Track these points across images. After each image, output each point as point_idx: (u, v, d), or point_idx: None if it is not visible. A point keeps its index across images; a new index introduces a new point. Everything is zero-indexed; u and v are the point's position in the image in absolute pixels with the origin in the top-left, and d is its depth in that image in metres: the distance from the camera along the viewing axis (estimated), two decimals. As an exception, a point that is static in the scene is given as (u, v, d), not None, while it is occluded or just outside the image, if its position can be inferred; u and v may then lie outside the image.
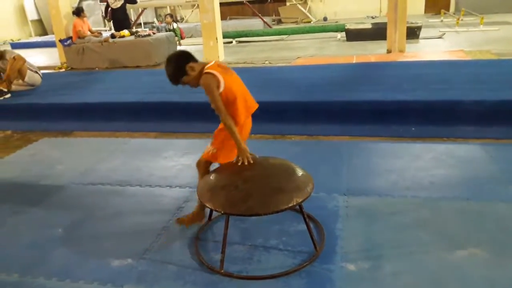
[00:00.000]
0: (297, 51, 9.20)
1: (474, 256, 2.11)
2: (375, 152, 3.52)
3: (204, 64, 2.27)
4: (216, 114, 2.25)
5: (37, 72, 6.19)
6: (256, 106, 2.36)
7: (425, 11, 17.04)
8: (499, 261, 2.07)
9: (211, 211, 2.46)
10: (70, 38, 8.53)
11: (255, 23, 14.00)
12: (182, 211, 2.73)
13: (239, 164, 2.20)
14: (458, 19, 11.53)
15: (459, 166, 3.13)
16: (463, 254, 2.13)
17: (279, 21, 17.20)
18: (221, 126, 2.32)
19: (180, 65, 2.24)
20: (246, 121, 2.33)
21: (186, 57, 2.27)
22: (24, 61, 5.97)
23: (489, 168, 3.08)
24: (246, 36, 11.36)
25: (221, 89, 2.19)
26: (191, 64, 2.25)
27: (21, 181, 3.41)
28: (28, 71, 6.00)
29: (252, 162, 2.21)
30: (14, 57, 5.88)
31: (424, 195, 2.74)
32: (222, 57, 8.52)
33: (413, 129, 3.97)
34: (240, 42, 11.22)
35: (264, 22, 13.74)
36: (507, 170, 2.99)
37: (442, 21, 13.18)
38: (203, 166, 2.42)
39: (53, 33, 9.64)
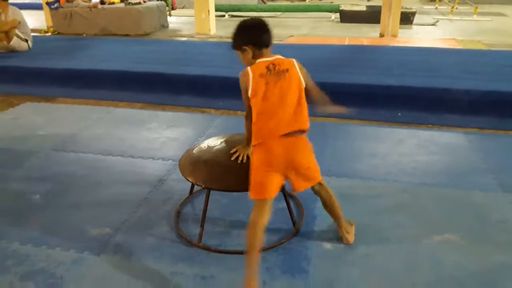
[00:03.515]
0: (290, 29, 9.09)
1: (449, 242, 2.15)
2: (361, 135, 3.53)
3: (262, 57, 1.93)
4: None
5: (26, 41, 5.99)
6: (285, 131, 1.87)
7: (421, -3, 16.93)
8: (473, 248, 2.11)
9: (193, 185, 2.45)
10: (58, 1, 8.28)
11: (249, -2, 13.75)
12: (164, 184, 2.71)
13: (233, 155, 2.08)
14: (453, 7, 11.50)
15: (441, 153, 3.16)
16: (438, 239, 2.17)
17: (274, -2, 16.90)
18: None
19: (238, 39, 1.95)
20: (271, 144, 1.88)
21: (250, 37, 1.93)
22: (15, 26, 5.81)
23: (470, 157, 3.12)
24: (239, 10, 11.17)
25: (249, 93, 1.88)
26: (248, 47, 1.91)
27: (1, 145, 3.34)
28: (16, 38, 5.82)
29: (244, 161, 2.04)
30: (17, 20, 5.85)
31: (405, 180, 2.77)
32: (213, 31, 8.38)
33: (399, 114, 3.98)
34: (233, 16, 11.04)
35: (259, -3, 13.50)
36: (487, 160, 3.03)
37: (436, 8, 13.12)
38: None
39: (40, -5, 9.34)
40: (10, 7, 5.94)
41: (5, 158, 3.10)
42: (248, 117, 1.97)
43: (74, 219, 2.36)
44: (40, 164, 3.02)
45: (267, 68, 1.90)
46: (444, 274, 1.93)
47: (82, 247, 2.10)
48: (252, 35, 1.97)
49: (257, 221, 1.85)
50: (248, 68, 1.91)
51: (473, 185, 2.70)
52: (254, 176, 1.91)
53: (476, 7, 10.85)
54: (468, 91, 4.01)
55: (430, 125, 3.76)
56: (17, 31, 5.84)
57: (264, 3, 13.28)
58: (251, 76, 1.88)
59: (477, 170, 2.91)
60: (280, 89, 1.88)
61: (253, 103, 1.89)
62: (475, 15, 10.58)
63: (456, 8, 11.82)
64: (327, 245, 2.11)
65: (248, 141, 2.09)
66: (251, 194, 1.93)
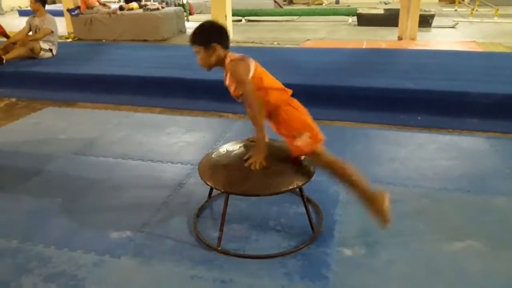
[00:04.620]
0: (306, 33, 9.09)
1: (471, 248, 2.11)
2: (379, 139, 3.50)
3: (228, 53, 2.15)
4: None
5: (51, 51, 6.09)
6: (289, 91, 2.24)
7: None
8: (495, 254, 2.06)
9: (211, 189, 2.46)
10: (78, 8, 8.46)
11: (266, 2, 13.81)
12: (183, 188, 2.73)
13: (247, 165, 2.04)
14: (473, 9, 11.34)
15: (462, 158, 3.11)
16: (461, 245, 2.13)
17: (290, 2, 16.99)
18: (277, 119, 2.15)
19: (209, 38, 2.09)
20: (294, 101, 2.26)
21: (220, 36, 2.12)
22: (46, 35, 5.93)
23: (492, 161, 3.06)
24: (256, 15, 11.22)
25: (251, 74, 2.06)
26: (217, 45, 2.09)
27: (24, 149, 3.42)
28: (42, 51, 5.93)
29: (264, 165, 2.03)
30: (50, 30, 5.92)
31: (425, 185, 2.73)
32: (230, 36, 8.41)
33: (419, 118, 3.93)
34: (249, 21, 11.08)
35: (275, 1, 13.55)
36: (510, 165, 2.97)
37: (456, 10, 12.95)
38: (318, 157, 2.12)
39: (61, 2, 9.53)
40: (47, 14, 6.04)
41: (27, 162, 3.16)
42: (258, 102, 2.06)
43: (95, 222, 2.39)
44: (61, 167, 3.07)
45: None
46: (467, 281, 1.89)
47: (103, 250, 2.13)
48: (223, 35, 2.15)
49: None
50: (233, 57, 2.11)
51: (496, 190, 2.65)
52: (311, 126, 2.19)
53: (497, 9, 10.67)
54: (489, 95, 3.94)
55: (450, 129, 3.70)
56: (41, 43, 5.90)
57: (281, 7, 13.31)
58: (242, 56, 2.11)
59: (500, 174, 2.85)
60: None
61: (265, 82, 2.12)
62: (496, 17, 10.41)
63: (476, 10, 11.65)
64: (347, 251, 2.09)
65: (263, 142, 2.08)
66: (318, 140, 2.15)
